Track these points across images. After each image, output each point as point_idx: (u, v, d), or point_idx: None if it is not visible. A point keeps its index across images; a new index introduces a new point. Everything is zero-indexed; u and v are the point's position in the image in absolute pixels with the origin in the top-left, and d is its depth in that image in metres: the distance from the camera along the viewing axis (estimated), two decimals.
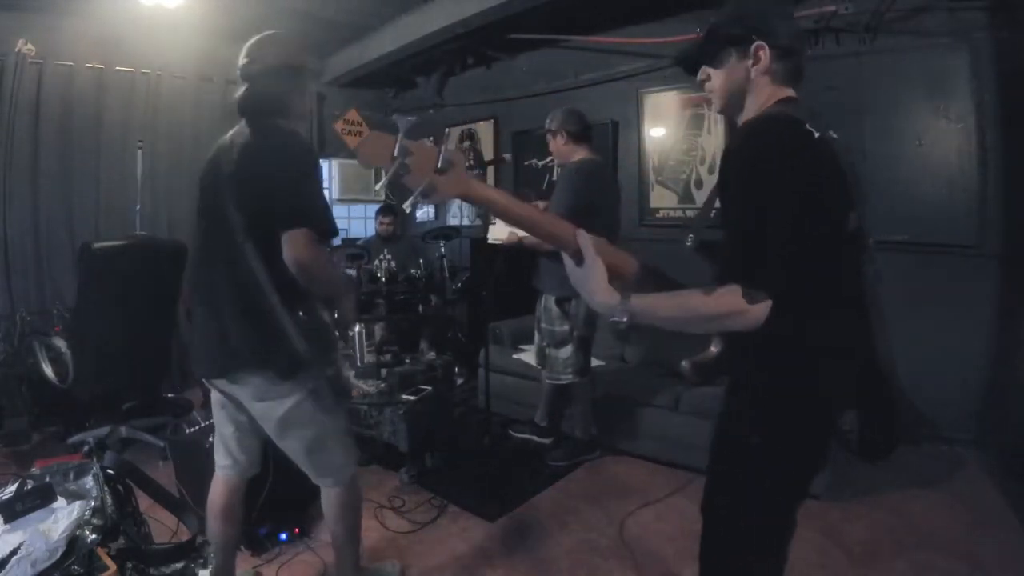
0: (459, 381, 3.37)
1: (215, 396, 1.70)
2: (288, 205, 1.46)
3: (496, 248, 3.04)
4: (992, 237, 2.82)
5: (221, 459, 1.74)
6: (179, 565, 1.23)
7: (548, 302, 2.82)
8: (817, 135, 1.00)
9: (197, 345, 1.63)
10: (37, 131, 3.65)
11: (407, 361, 3.32)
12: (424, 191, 1.01)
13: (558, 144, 2.78)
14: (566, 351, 2.81)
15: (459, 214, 5.25)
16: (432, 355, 3.65)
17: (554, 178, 4.00)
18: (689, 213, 3.74)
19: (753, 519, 1.12)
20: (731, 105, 1.14)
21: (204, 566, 1.25)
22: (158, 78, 4.12)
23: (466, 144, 5.19)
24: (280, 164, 1.49)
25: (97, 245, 2.81)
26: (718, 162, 3.58)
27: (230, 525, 1.74)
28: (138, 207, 4.13)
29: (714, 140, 3.60)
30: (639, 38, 3.72)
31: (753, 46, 1.07)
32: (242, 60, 1.63)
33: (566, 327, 2.79)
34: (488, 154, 4.96)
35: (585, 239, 1.04)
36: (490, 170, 4.74)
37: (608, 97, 4.11)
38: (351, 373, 1.66)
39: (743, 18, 1.10)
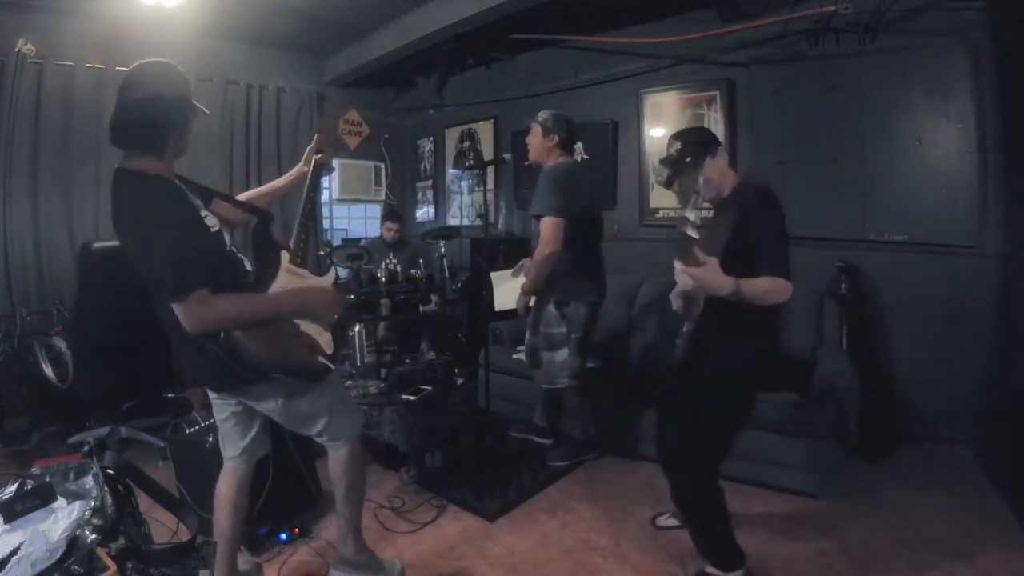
0: (459, 381, 3.37)
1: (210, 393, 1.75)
2: (157, 276, 1.40)
3: (497, 248, 3.05)
4: (992, 237, 2.82)
5: (229, 451, 1.78)
6: (179, 565, 1.23)
7: (546, 306, 2.80)
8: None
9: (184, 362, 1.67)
10: (37, 131, 3.65)
11: (407, 361, 3.33)
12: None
13: (544, 143, 2.81)
14: (562, 354, 2.78)
15: (459, 214, 5.25)
16: (432, 355, 3.65)
17: None
18: None
19: (719, 416, 1.81)
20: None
21: (204, 566, 1.25)
22: None
23: (466, 144, 5.20)
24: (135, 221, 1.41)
25: (97, 245, 2.82)
26: None
27: (236, 516, 1.78)
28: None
29: None
30: (639, 38, 3.72)
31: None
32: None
33: (563, 329, 2.78)
34: (488, 154, 4.96)
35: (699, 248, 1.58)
36: (490, 170, 4.74)
37: (608, 97, 4.11)
38: (324, 350, 1.66)
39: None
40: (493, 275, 3.05)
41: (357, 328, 3.19)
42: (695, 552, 2.13)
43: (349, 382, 3.03)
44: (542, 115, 2.84)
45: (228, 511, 1.76)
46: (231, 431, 1.76)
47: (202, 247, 1.45)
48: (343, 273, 4.76)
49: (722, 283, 1.54)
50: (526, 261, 2.84)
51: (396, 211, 4.88)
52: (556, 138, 2.79)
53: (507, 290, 2.98)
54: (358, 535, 1.92)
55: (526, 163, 2.98)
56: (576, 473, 2.82)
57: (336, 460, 1.81)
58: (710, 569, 1.92)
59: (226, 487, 1.77)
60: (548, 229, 2.62)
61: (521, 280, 2.86)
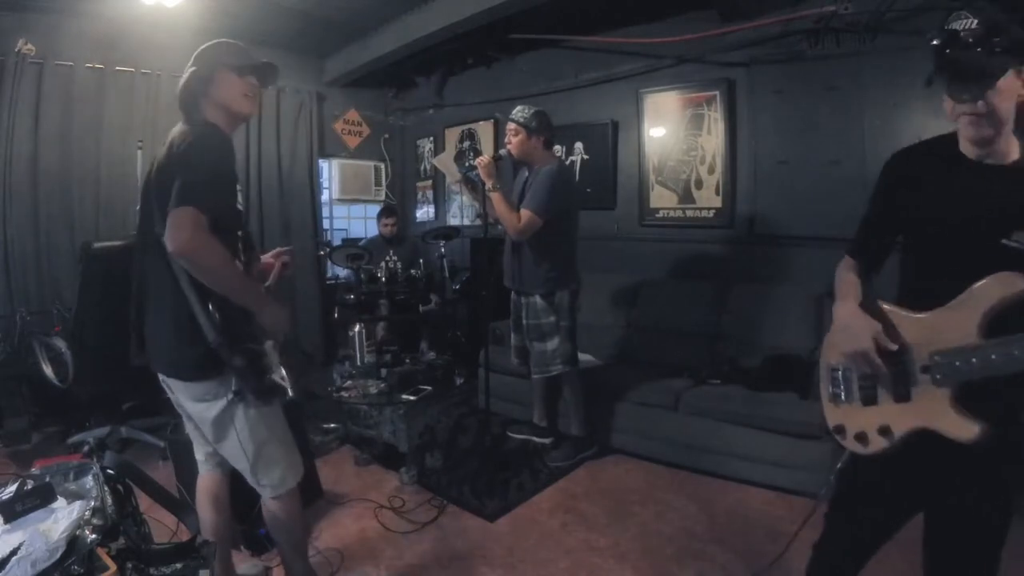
0: (459, 381, 3.37)
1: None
2: (180, 183, 1.33)
3: (498, 248, 3.07)
4: None
5: (198, 454, 1.74)
6: (179, 565, 1.23)
7: (532, 300, 2.85)
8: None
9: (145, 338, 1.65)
10: (37, 131, 3.65)
11: (407, 361, 3.33)
12: None
13: (532, 144, 2.80)
14: (553, 343, 2.83)
15: (459, 214, 5.25)
16: (432, 355, 3.65)
17: None
18: (689, 213, 3.74)
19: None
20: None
21: (204, 566, 1.25)
22: (158, 78, 4.12)
23: (466, 144, 5.19)
24: (187, 149, 1.41)
25: (97, 245, 2.81)
26: (718, 162, 3.61)
27: (219, 515, 1.73)
28: (138, 207, 4.13)
29: (714, 140, 3.59)
30: (639, 38, 3.72)
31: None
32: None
33: (552, 319, 2.82)
34: (488, 154, 4.96)
35: None
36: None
37: (608, 97, 4.11)
38: (280, 371, 1.55)
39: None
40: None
41: (357, 328, 3.20)
42: (695, 551, 2.13)
43: (349, 382, 3.03)
44: (522, 115, 2.78)
45: (209, 507, 1.71)
46: (195, 435, 1.70)
47: (228, 206, 1.48)
48: (343, 273, 4.77)
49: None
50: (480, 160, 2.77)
51: (392, 206, 4.91)
52: (542, 138, 2.82)
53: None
54: None
55: (506, 155, 2.87)
56: (576, 473, 2.82)
57: (267, 512, 1.66)
58: None
59: (202, 484, 1.74)
60: (530, 224, 2.69)
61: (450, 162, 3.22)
